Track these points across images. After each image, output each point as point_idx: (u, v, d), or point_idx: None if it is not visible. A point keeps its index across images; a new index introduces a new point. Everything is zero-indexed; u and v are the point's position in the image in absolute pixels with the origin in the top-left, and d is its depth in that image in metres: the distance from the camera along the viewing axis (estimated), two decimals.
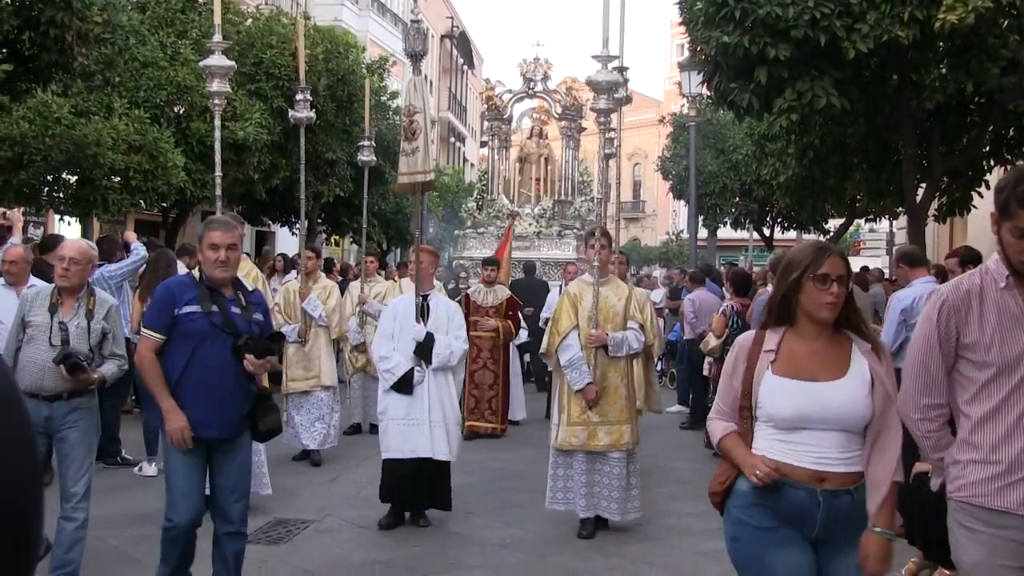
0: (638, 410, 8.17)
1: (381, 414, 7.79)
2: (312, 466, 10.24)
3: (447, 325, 7.81)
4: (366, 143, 11.62)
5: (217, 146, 7.93)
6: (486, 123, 23.59)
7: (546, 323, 12.24)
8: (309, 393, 10.45)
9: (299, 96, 9.69)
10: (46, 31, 10.93)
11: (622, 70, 7.96)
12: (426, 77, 44.59)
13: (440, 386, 7.70)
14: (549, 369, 15.67)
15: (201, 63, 8.13)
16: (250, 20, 18.90)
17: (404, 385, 7.60)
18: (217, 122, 7.88)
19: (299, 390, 10.48)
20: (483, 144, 23.48)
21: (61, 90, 13.40)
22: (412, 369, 7.60)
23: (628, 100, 11.46)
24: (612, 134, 10.48)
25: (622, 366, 7.75)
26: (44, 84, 12.41)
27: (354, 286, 12.31)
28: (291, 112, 10.19)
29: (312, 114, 10.06)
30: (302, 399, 10.47)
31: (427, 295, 7.93)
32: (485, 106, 23.34)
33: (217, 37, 7.73)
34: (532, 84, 21.91)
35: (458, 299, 11.75)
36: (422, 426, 7.55)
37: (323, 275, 11.41)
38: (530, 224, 20.76)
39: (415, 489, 7.82)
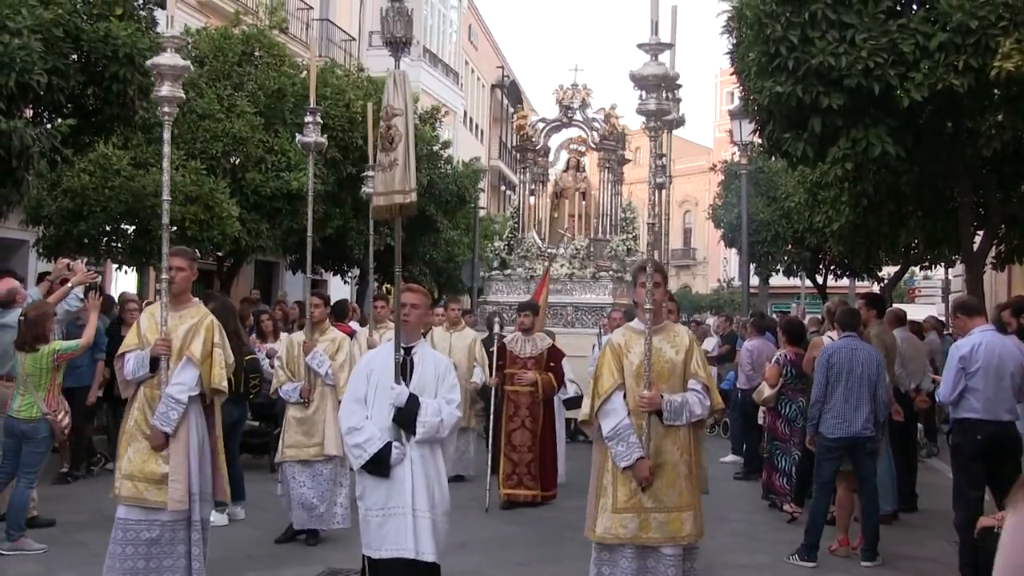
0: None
1: (359, 499, 6.04)
2: (308, 546, 8.94)
3: (436, 386, 6.05)
4: (369, 173, 10.34)
5: (166, 164, 6.98)
6: (517, 155, 21.59)
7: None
8: (309, 464, 8.99)
9: (308, 118, 9.14)
10: (109, 86, 11.22)
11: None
12: (477, 126, 45.01)
13: (427, 465, 5.93)
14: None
15: (149, 62, 7.07)
16: (305, 72, 19.19)
17: (379, 465, 5.85)
18: (167, 135, 6.94)
19: (297, 459, 9.02)
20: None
21: (121, 143, 13.73)
22: (389, 444, 5.84)
23: (681, 123, 10.34)
24: (662, 160, 9.52)
25: (681, 437, 6.18)
26: (106, 137, 12.72)
27: (362, 333, 11.24)
28: (299, 136, 9.51)
29: (324, 140, 9.41)
30: (299, 470, 9.02)
31: (411, 347, 6.14)
32: (517, 136, 21.08)
33: (170, 31, 6.78)
34: (570, 112, 19.73)
35: (492, 348, 11.32)
36: (404, 517, 5.80)
37: (332, 327, 9.89)
38: (562, 265, 18.52)
39: None
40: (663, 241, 10.98)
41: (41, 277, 12.08)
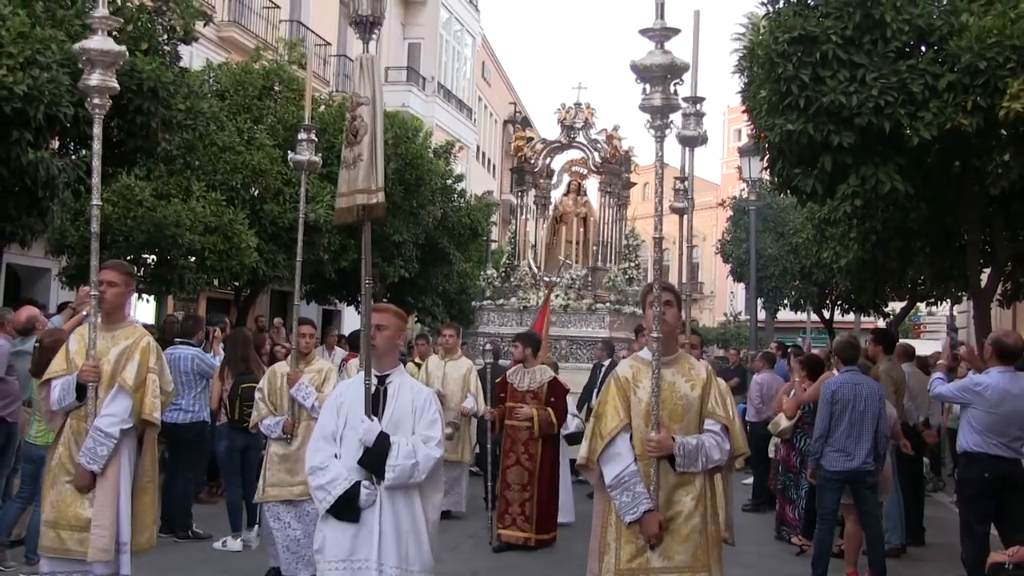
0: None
1: (317, 553, 5.31)
2: None
3: (413, 422, 5.30)
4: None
5: (96, 163, 6.09)
6: (515, 177, 20.55)
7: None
8: (295, 504, 8.14)
9: (302, 135, 8.32)
10: (133, 119, 11.43)
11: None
12: (489, 161, 45.33)
13: (399, 514, 5.18)
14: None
15: (76, 45, 6.12)
16: (323, 107, 19.50)
17: (346, 507, 5.15)
18: (98, 130, 6.05)
19: (281, 499, 8.20)
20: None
21: (144, 174, 13.98)
22: (357, 484, 5.16)
23: (704, 140, 8.22)
24: (684, 183, 8.74)
25: (697, 486, 5.26)
26: (129, 169, 12.96)
27: (354, 364, 10.91)
28: (291, 155, 8.71)
29: (318, 159, 8.50)
30: (283, 510, 8.23)
31: (386, 376, 5.43)
32: (515, 158, 20.11)
33: (101, 11, 5.86)
34: (572, 132, 18.67)
35: (497, 378, 10.98)
36: (368, 572, 5.11)
37: (319, 357, 9.25)
38: (557, 295, 16.90)
39: None
40: (688, 271, 9.39)
41: (62, 306, 12.23)
